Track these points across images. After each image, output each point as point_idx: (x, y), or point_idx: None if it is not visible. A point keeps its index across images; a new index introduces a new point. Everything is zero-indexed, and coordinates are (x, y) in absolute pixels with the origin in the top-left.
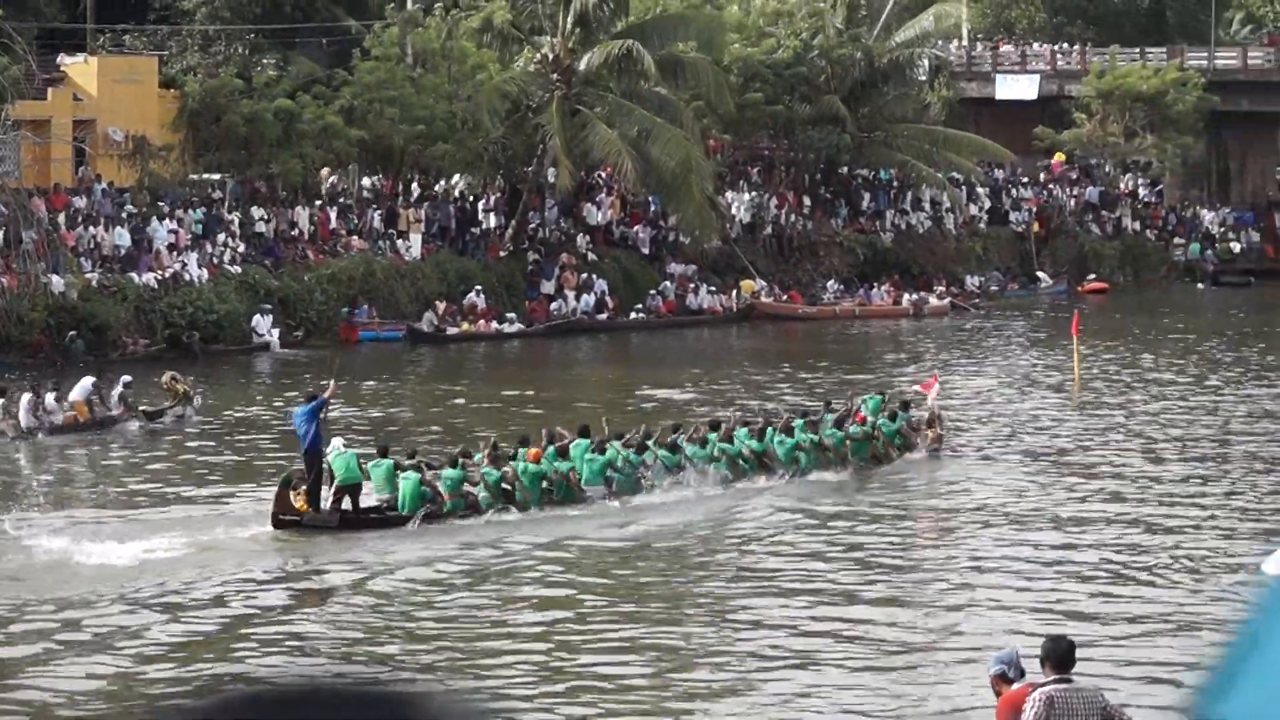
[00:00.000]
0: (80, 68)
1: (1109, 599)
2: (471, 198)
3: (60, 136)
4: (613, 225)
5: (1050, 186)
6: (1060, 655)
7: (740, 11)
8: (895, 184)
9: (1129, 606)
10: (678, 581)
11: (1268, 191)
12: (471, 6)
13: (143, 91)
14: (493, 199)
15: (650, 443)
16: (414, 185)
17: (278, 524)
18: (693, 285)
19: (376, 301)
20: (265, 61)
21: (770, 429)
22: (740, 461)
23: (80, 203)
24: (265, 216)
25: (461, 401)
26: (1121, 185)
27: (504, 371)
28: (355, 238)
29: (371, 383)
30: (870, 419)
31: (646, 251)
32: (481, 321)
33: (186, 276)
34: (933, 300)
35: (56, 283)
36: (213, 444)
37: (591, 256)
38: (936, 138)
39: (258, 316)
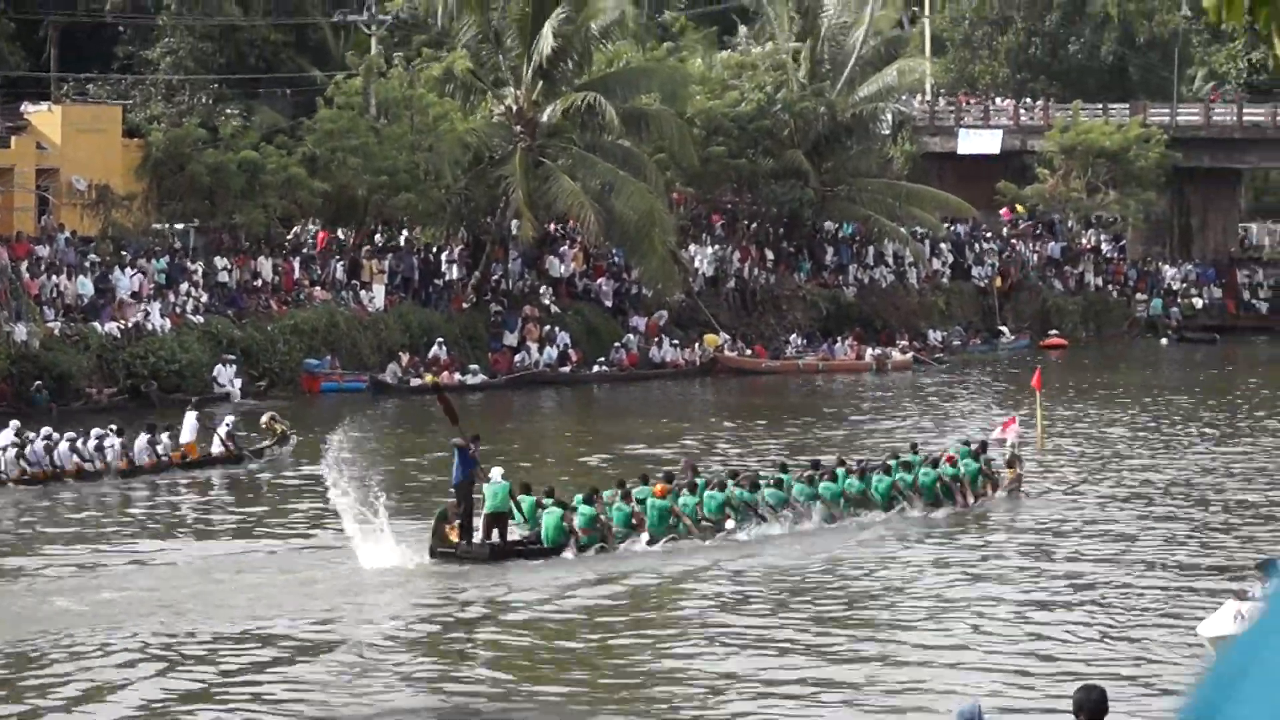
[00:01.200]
0: (44, 116)
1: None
2: (434, 249)
3: (23, 185)
4: (576, 277)
5: (1013, 241)
6: (1093, 706)
7: (703, 64)
8: (858, 238)
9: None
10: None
11: (1229, 248)
12: (434, 58)
13: (106, 140)
14: (456, 250)
15: (761, 481)
16: (377, 236)
17: (435, 555)
18: (659, 335)
19: (339, 352)
20: (229, 111)
21: (868, 470)
22: (841, 500)
23: (43, 251)
24: (228, 266)
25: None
26: (1084, 240)
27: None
28: (318, 288)
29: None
30: (959, 460)
31: (609, 304)
32: (445, 373)
33: (149, 326)
34: (895, 355)
35: (19, 331)
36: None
37: (555, 309)
38: (899, 192)
39: (220, 367)
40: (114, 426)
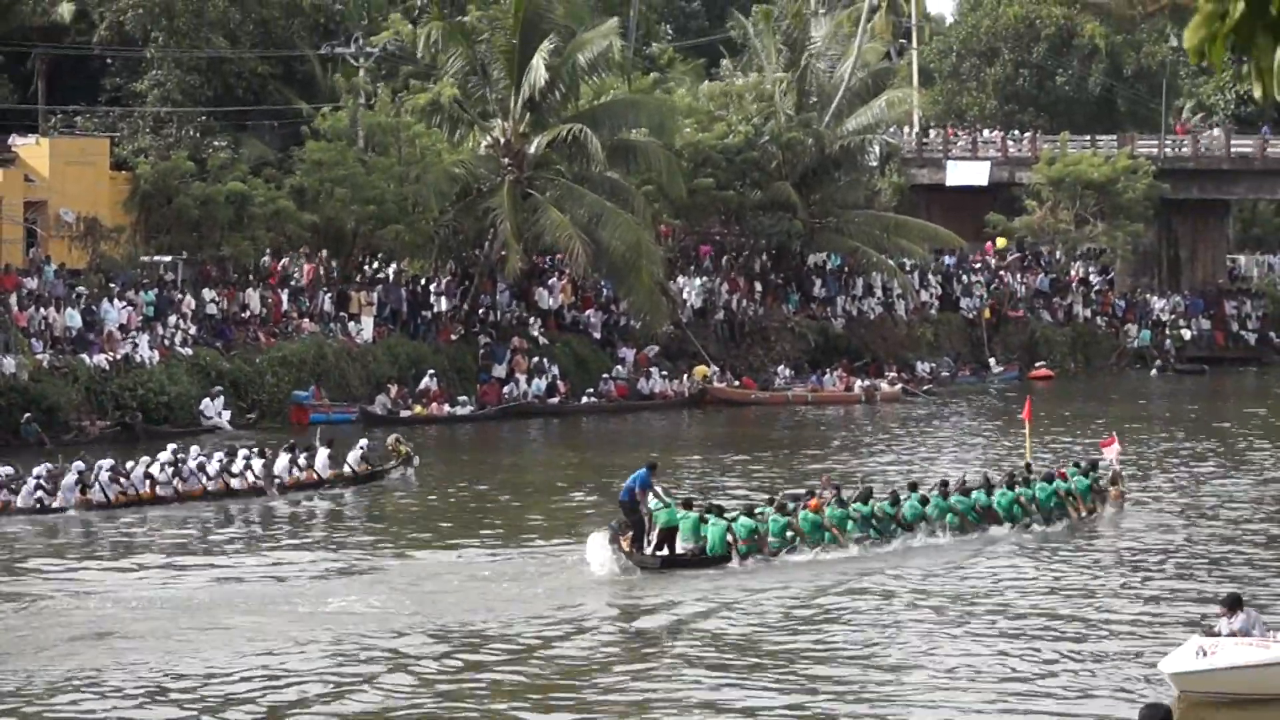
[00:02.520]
0: (32, 149)
1: None
2: (423, 280)
3: (11, 217)
4: (564, 309)
5: (1001, 273)
6: None
7: (690, 95)
8: (846, 270)
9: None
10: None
11: (1218, 279)
12: (421, 90)
13: (94, 173)
14: (444, 282)
15: (901, 496)
16: (365, 268)
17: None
18: (650, 367)
19: (326, 384)
20: (217, 144)
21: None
22: (971, 515)
23: (32, 283)
24: (216, 298)
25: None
26: (1072, 272)
27: (454, 454)
28: (306, 320)
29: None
30: (1070, 477)
31: (598, 336)
32: (434, 404)
33: (138, 358)
34: (884, 386)
35: (8, 364)
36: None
37: (543, 340)
38: (887, 224)
39: (207, 400)
40: (255, 448)
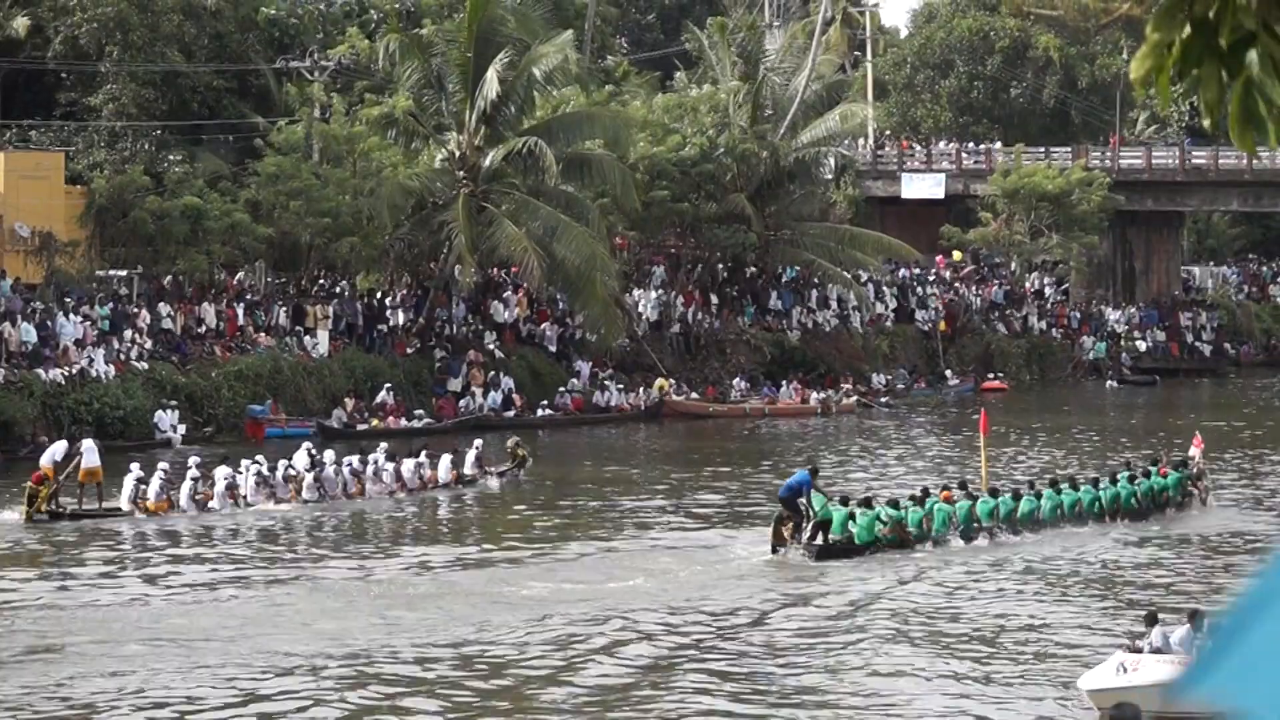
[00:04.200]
0: None
1: None
2: (378, 294)
3: None
4: (520, 323)
5: (956, 285)
6: None
7: (644, 108)
8: (801, 282)
9: None
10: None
11: (1172, 291)
12: (375, 103)
13: (49, 187)
14: (399, 296)
15: (1029, 490)
16: (321, 281)
17: (774, 551)
18: (604, 381)
19: (283, 398)
20: (172, 158)
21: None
22: (1093, 508)
23: None
24: (172, 313)
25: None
26: (1027, 284)
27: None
28: (263, 334)
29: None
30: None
31: (554, 349)
32: (390, 418)
33: (93, 373)
34: (840, 398)
35: None
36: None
37: (499, 354)
38: (842, 236)
39: (160, 413)
40: (386, 450)
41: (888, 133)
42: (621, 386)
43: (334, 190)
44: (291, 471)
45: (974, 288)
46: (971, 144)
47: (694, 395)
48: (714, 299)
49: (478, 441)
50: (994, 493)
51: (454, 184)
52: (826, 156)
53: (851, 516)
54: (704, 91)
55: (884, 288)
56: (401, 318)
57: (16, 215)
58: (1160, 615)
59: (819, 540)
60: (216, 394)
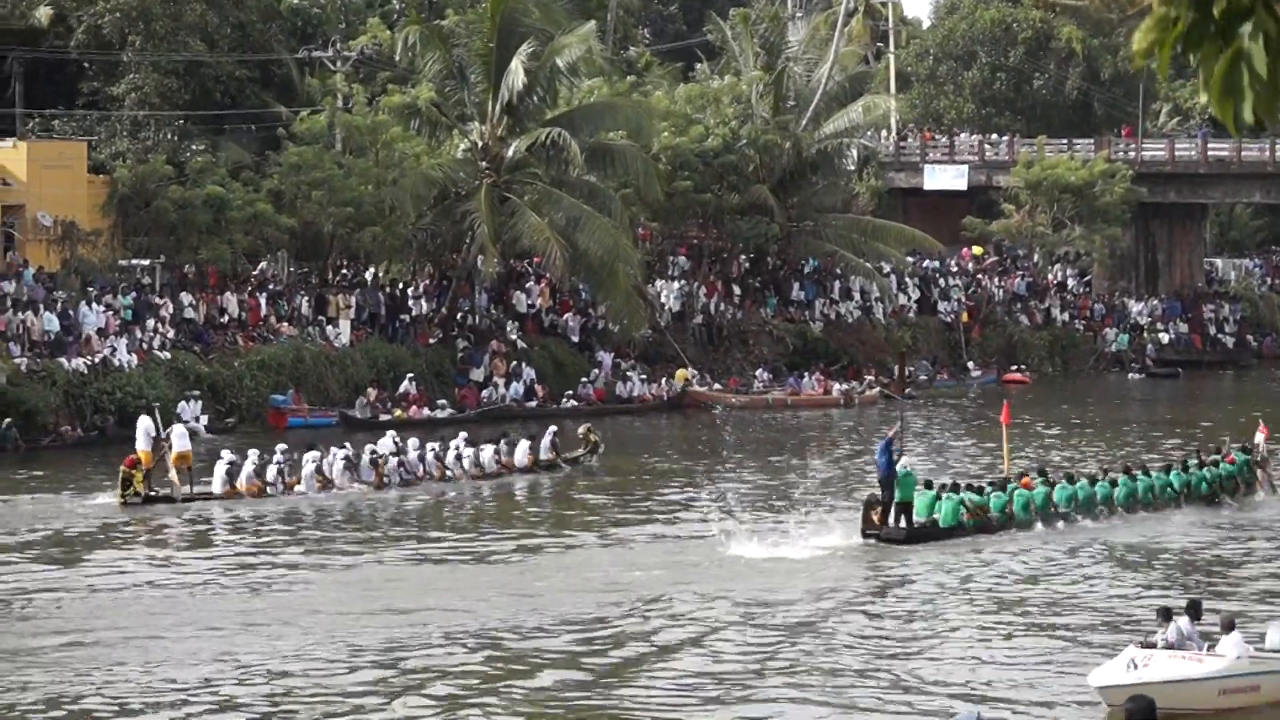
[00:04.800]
0: (9, 152)
1: None
2: (401, 284)
3: None
4: (542, 313)
5: (979, 277)
6: (1143, 714)
7: (666, 98)
8: (824, 273)
9: None
10: None
11: (1195, 283)
12: (398, 92)
13: (72, 177)
14: (422, 286)
15: (1102, 478)
16: (344, 271)
17: (865, 536)
18: (626, 371)
19: (306, 388)
20: (195, 147)
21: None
22: (1167, 493)
23: (9, 287)
24: (194, 302)
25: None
26: (1050, 276)
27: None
28: (285, 324)
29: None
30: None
31: (575, 339)
32: (413, 408)
33: (116, 362)
34: (863, 390)
35: None
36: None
37: (521, 344)
38: (865, 227)
39: (183, 403)
40: (465, 436)
41: (910, 124)
42: (644, 377)
43: (357, 180)
44: (378, 456)
45: (996, 279)
46: (994, 135)
47: (716, 386)
48: (736, 290)
49: (552, 428)
50: (1070, 479)
51: (477, 174)
52: (849, 148)
53: (937, 500)
54: (726, 82)
55: (906, 279)
56: (424, 307)
57: (40, 205)
58: (1172, 610)
59: (904, 524)
60: (239, 384)
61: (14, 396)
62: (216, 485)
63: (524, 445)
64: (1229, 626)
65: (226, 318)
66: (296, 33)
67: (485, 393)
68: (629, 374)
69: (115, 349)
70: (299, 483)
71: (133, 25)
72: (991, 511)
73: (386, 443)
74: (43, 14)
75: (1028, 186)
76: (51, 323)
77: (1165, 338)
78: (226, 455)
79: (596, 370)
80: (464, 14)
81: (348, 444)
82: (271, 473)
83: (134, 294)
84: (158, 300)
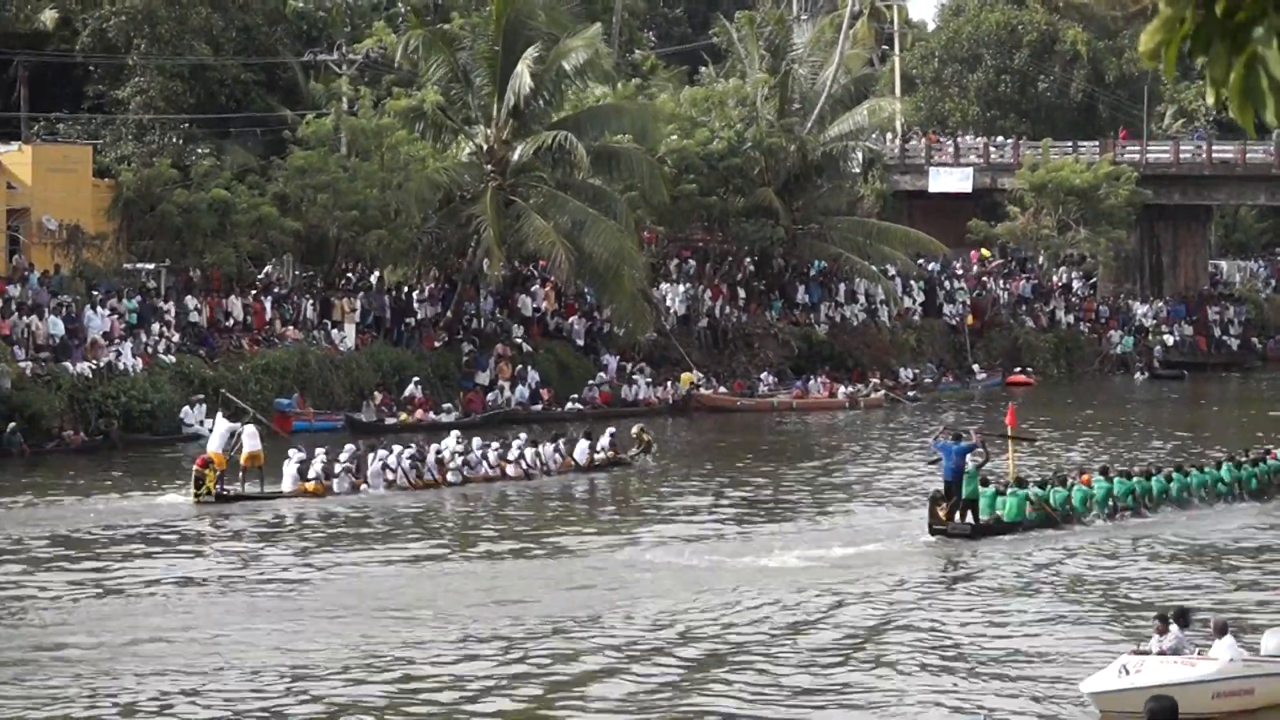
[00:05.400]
0: (14, 156)
1: None
2: (406, 288)
3: None
4: (547, 316)
5: (984, 279)
6: (1165, 715)
7: (671, 100)
8: (829, 275)
9: None
10: None
11: (1200, 285)
12: (403, 95)
13: (77, 180)
14: (427, 289)
15: (1158, 474)
16: (349, 275)
17: (933, 532)
18: (632, 374)
19: (311, 391)
20: (200, 151)
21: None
22: (1220, 487)
23: (14, 291)
24: (199, 306)
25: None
26: (1055, 278)
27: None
28: (290, 328)
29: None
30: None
31: (581, 343)
32: (419, 412)
33: (121, 366)
34: (869, 392)
35: None
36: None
37: (526, 347)
38: (870, 230)
39: (187, 408)
40: (526, 436)
41: (915, 127)
42: (650, 380)
43: (362, 183)
44: (444, 455)
45: (1001, 282)
46: (999, 138)
47: (722, 389)
48: (741, 293)
49: (610, 429)
50: (1126, 474)
51: (482, 177)
52: (854, 150)
53: (999, 496)
54: (731, 85)
55: (911, 282)
56: (429, 311)
57: (45, 208)
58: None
59: (969, 520)
60: (244, 388)
61: (19, 401)
62: (287, 484)
63: (583, 444)
64: (1221, 630)
65: (231, 321)
66: (302, 36)
67: (490, 396)
68: (634, 377)
69: (120, 353)
70: (365, 481)
71: (138, 29)
72: (1054, 506)
73: (450, 442)
74: (48, 17)
75: (1032, 189)
76: (56, 326)
77: (1170, 340)
78: (295, 454)
79: (602, 373)
80: (469, 17)
81: (412, 444)
82: (339, 471)
83: (139, 298)
84: (162, 304)
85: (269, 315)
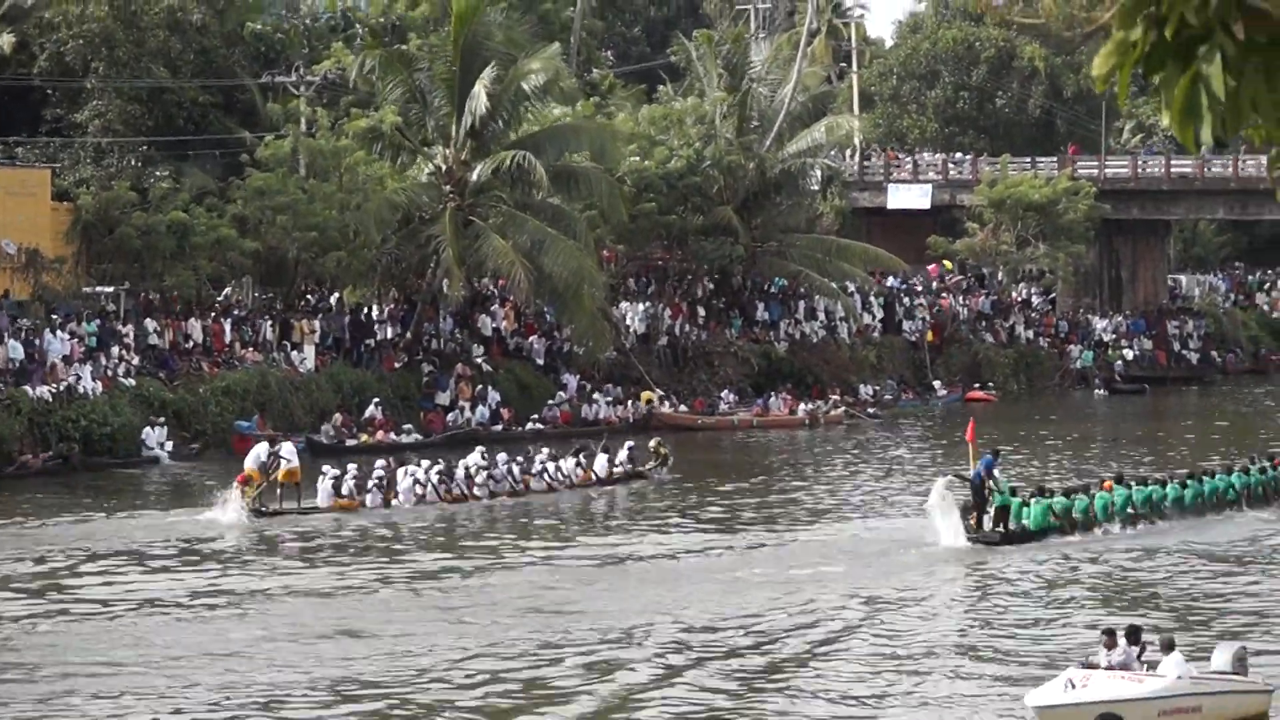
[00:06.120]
0: None
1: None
2: (365, 309)
3: None
4: (507, 336)
5: (943, 295)
6: None
7: (630, 119)
8: (789, 293)
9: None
10: None
11: (1159, 299)
12: (361, 116)
13: (35, 204)
14: (386, 310)
15: (1173, 483)
16: (308, 296)
17: (968, 540)
18: (592, 394)
19: (271, 413)
20: (158, 173)
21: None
22: (1229, 493)
23: None
24: (159, 329)
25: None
26: (1014, 293)
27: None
28: (250, 349)
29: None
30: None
31: (541, 362)
32: (379, 433)
33: (81, 389)
34: (829, 410)
35: None
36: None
37: (486, 367)
38: (829, 247)
39: (148, 429)
40: (548, 450)
41: (874, 144)
42: (610, 399)
43: (321, 205)
44: (471, 470)
45: (961, 298)
46: (958, 154)
47: (682, 408)
48: (701, 311)
49: (629, 442)
50: (1143, 482)
51: (441, 198)
52: (813, 168)
53: (1025, 505)
54: (690, 103)
55: (871, 298)
56: (389, 332)
57: (3, 232)
58: (1116, 631)
59: (1001, 528)
60: (204, 410)
61: None
62: (322, 499)
63: (602, 458)
64: (1169, 647)
65: (191, 344)
66: (259, 58)
67: (451, 416)
68: (594, 396)
69: (80, 376)
70: (396, 496)
71: (95, 52)
72: (1076, 514)
73: (475, 457)
74: (5, 41)
75: (991, 205)
76: (16, 350)
77: (1130, 354)
78: (330, 470)
79: (562, 393)
80: (427, 38)
81: (440, 460)
82: (370, 486)
83: (98, 321)
84: (122, 327)
85: (229, 337)
